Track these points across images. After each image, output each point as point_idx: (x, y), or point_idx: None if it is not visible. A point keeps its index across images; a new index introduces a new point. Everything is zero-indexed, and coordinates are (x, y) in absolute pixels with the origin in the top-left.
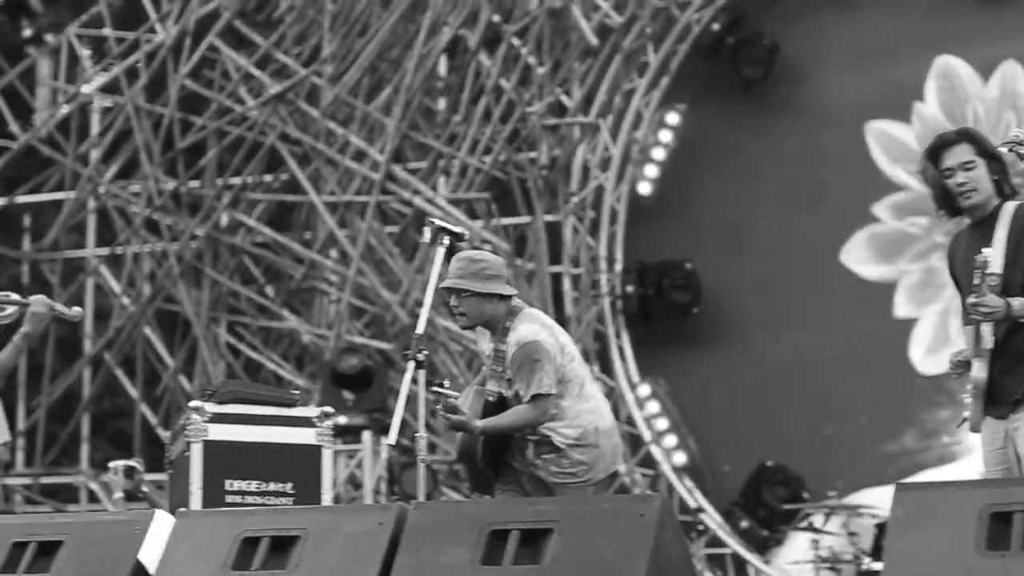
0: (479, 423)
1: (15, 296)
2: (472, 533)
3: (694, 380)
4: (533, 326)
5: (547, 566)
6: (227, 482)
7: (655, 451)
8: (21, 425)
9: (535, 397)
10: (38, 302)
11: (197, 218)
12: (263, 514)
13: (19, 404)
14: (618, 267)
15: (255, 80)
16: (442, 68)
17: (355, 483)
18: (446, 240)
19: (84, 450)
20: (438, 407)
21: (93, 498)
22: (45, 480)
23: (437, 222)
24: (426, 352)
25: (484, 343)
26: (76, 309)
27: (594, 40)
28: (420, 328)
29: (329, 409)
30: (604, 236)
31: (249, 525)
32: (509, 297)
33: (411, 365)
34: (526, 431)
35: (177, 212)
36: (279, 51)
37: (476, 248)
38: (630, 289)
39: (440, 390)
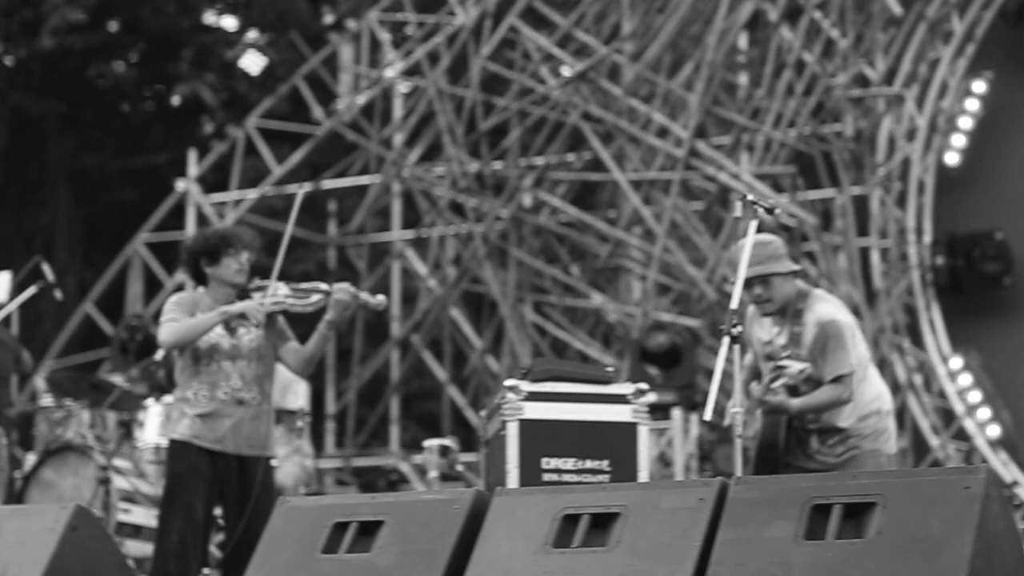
0: (794, 402)
1: (321, 285)
2: (794, 507)
3: (1007, 352)
4: (830, 306)
5: (871, 540)
6: (543, 460)
7: (968, 424)
8: (331, 408)
9: (840, 377)
10: (342, 290)
11: (501, 199)
12: (582, 491)
13: (328, 388)
14: (927, 239)
15: (556, 60)
16: (743, 43)
17: (665, 461)
18: (758, 214)
19: (394, 431)
20: (775, 383)
21: (402, 479)
22: (356, 462)
23: (749, 196)
24: (740, 327)
25: (758, 330)
26: (380, 297)
27: (898, 9)
28: (734, 303)
29: (644, 386)
30: (912, 208)
31: (568, 502)
32: (797, 273)
33: (725, 340)
34: (819, 417)
35: (481, 193)
36: (579, 30)
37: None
38: (940, 261)
39: (785, 363)
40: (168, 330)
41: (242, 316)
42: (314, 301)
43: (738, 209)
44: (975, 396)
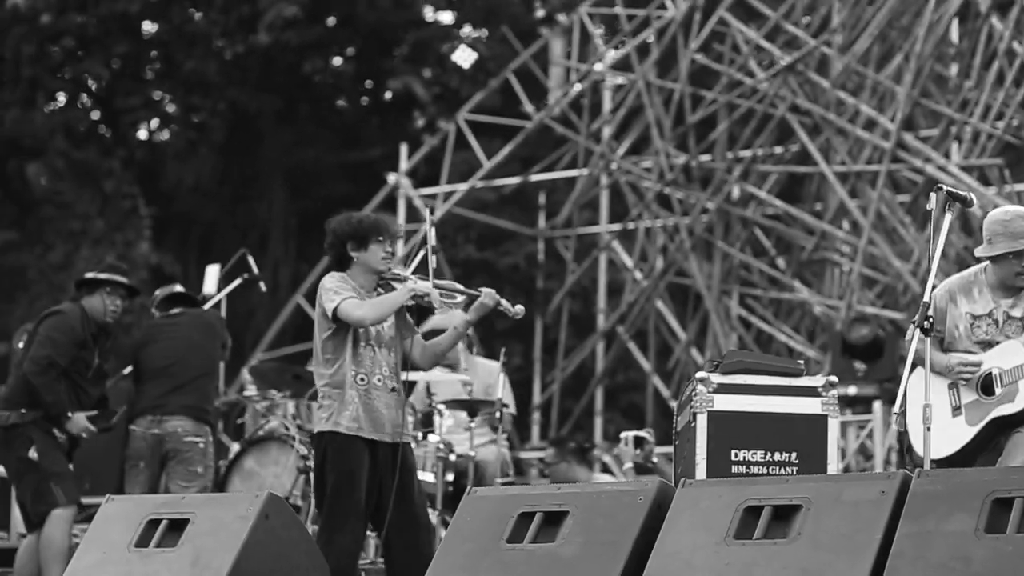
0: None
1: (458, 285)
2: (975, 501)
3: None
4: None
5: None
6: (732, 452)
7: None
8: (536, 400)
9: None
10: (489, 295)
11: (708, 191)
12: (765, 483)
13: (535, 379)
14: None
15: (765, 52)
16: (953, 33)
17: (866, 454)
18: (955, 206)
19: (598, 423)
20: None
21: (606, 470)
22: None
23: (945, 188)
24: (932, 318)
25: (966, 305)
26: (519, 307)
27: None
28: (927, 295)
29: (834, 378)
30: None
31: (751, 494)
32: None
33: (916, 332)
34: None
35: (688, 186)
36: (789, 22)
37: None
38: None
39: None
40: (365, 306)
41: (425, 295)
42: (458, 301)
43: (932, 200)
44: None
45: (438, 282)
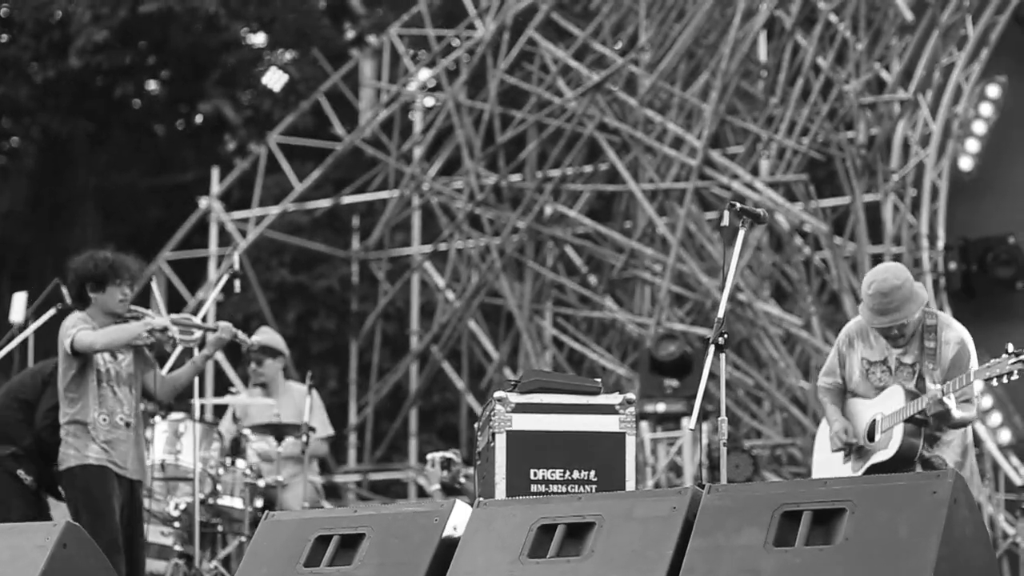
0: (956, 412)
1: (195, 320)
2: (764, 514)
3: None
4: (960, 325)
5: (839, 546)
6: (531, 471)
7: (980, 429)
8: (351, 422)
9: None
10: (225, 329)
11: (519, 211)
12: (559, 502)
13: (350, 401)
14: (940, 244)
15: (573, 71)
16: (760, 50)
17: (676, 470)
18: (746, 223)
19: (413, 445)
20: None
21: (422, 493)
22: (374, 476)
23: (737, 204)
24: (726, 335)
25: (863, 350)
26: (255, 338)
27: (910, 15)
28: (721, 312)
29: (631, 396)
30: (925, 213)
31: (545, 513)
32: None
33: (711, 349)
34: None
35: (499, 206)
36: (596, 41)
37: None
38: (953, 266)
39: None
40: (96, 334)
41: (164, 330)
42: (195, 337)
43: (726, 218)
44: (987, 401)
45: (175, 316)
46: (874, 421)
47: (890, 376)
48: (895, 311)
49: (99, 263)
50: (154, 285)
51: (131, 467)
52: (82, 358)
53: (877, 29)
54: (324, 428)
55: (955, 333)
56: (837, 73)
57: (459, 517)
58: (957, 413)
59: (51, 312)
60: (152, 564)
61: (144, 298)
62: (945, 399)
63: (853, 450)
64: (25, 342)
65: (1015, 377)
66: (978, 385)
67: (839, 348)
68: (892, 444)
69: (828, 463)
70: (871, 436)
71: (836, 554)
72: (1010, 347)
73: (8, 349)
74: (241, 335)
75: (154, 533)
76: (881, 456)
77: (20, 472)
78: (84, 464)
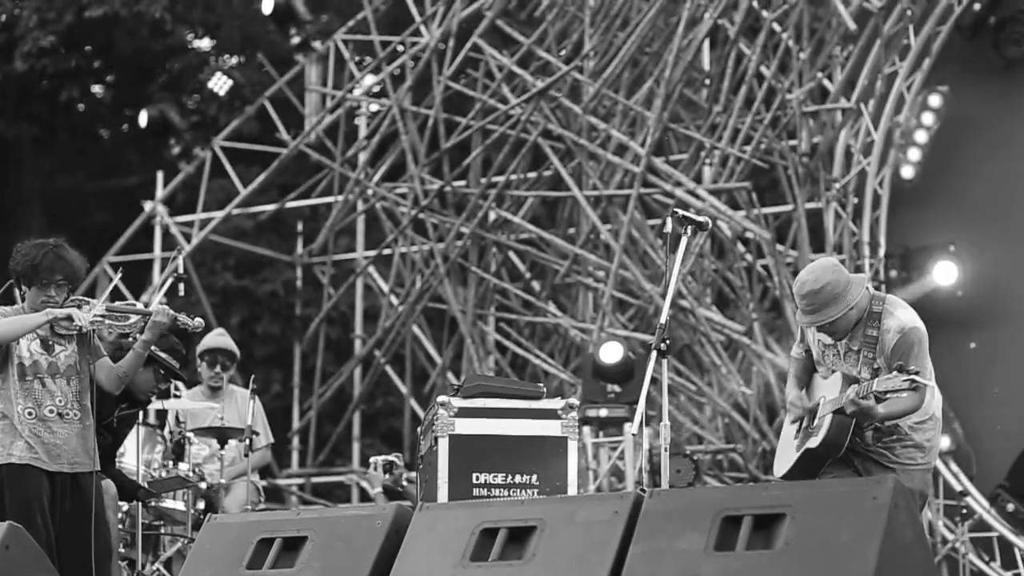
0: (880, 408)
1: (139, 306)
2: (705, 519)
3: (959, 363)
4: (910, 313)
5: (779, 551)
6: (474, 475)
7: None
8: (295, 425)
9: (922, 385)
10: (161, 312)
11: (463, 217)
12: (501, 506)
13: (294, 405)
14: (881, 252)
15: (518, 78)
16: (704, 58)
17: (618, 475)
18: (688, 230)
19: (355, 448)
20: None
21: (365, 496)
22: (317, 479)
23: (679, 212)
24: (668, 341)
25: (819, 333)
26: (197, 320)
27: (853, 25)
28: (663, 318)
29: (574, 401)
30: (867, 221)
31: (487, 516)
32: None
33: (653, 355)
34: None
35: (443, 211)
36: (541, 48)
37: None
38: (893, 274)
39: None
40: None
41: (68, 319)
42: (132, 323)
43: (668, 224)
44: None
45: (111, 304)
46: (818, 404)
47: (840, 360)
48: (816, 312)
49: (26, 261)
50: (112, 274)
51: (68, 460)
52: (1, 353)
53: (820, 38)
54: (267, 435)
55: (896, 322)
56: (780, 82)
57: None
58: (881, 409)
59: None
60: None
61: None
62: (859, 400)
63: (808, 418)
64: None
65: (903, 396)
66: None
67: (803, 329)
68: (819, 433)
69: (786, 440)
70: (813, 418)
71: (777, 559)
72: (903, 367)
73: None
74: (182, 318)
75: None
76: (811, 443)
77: None
78: (7, 463)
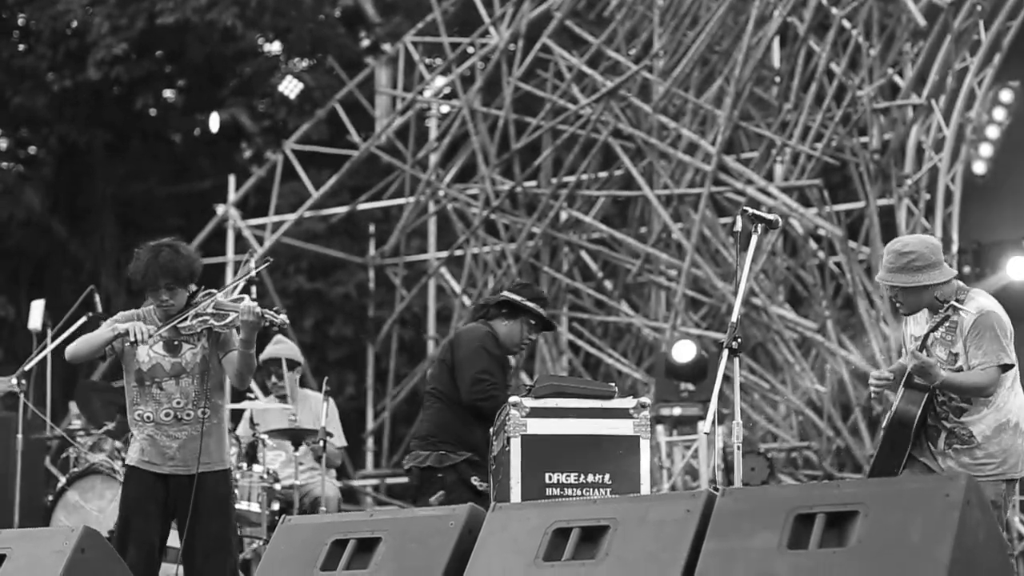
0: (943, 372)
1: (240, 304)
2: (778, 517)
3: None
4: (991, 300)
5: (852, 549)
6: (546, 475)
7: None
8: (369, 427)
9: (990, 367)
10: (247, 311)
11: (534, 217)
12: (573, 505)
13: (368, 407)
14: (954, 248)
15: (588, 78)
16: (774, 56)
17: (692, 473)
18: (759, 228)
19: None
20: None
21: None
22: (391, 480)
23: (749, 210)
24: (739, 340)
25: (913, 327)
26: (282, 316)
27: (923, 21)
28: (735, 316)
29: (646, 400)
30: (939, 217)
31: (560, 516)
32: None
33: (725, 354)
34: (963, 403)
35: (514, 212)
36: (610, 48)
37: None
38: (967, 270)
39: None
40: (69, 347)
41: (126, 334)
42: (230, 320)
43: (738, 223)
44: None
45: (220, 302)
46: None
47: (926, 353)
48: (889, 272)
49: (134, 272)
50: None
51: (184, 461)
52: (120, 360)
53: (890, 34)
54: (340, 438)
55: (975, 303)
56: (850, 78)
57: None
58: (944, 373)
59: (82, 320)
60: (169, 568)
61: None
62: (919, 355)
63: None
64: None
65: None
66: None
67: (901, 327)
68: (892, 407)
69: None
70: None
71: (849, 557)
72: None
73: (40, 357)
74: (268, 314)
75: (171, 536)
76: (886, 420)
77: (475, 479)
78: (127, 465)
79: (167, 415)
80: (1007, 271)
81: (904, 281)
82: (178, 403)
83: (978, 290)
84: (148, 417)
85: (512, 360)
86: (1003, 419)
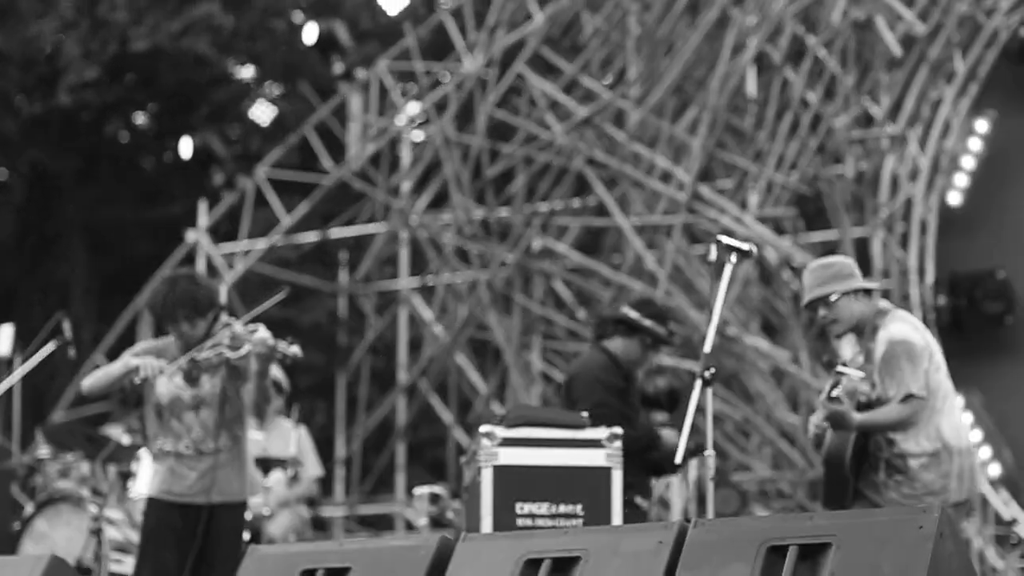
0: (857, 416)
1: (254, 336)
2: (750, 549)
3: (1009, 391)
4: (905, 326)
5: None
6: (518, 505)
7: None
8: (339, 455)
9: (907, 397)
10: (259, 343)
11: (507, 245)
12: (545, 536)
13: (337, 435)
14: (929, 279)
15: (562, 106)
16: (749, 84)
17: (664, 504)
18: (734, 258)
19: (400, 479)
20: (833, 390)
21: (410, 527)
22: (362, 510)
23: (724, 240)
24: (714, 369)
25: (847, 349)
26: (294, 348)
27: (899, 51)
28: (707, 346)
29: (617, 430)
30: (914, 248)
31: (531, 547)
32: (871, 292)
33: (698, 384)
34: (892, 433)
35: (487, 240)
36: (585, 75)
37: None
38: (942, 301)
39: (843, 370)
40: (85, 381)
41: (135, 370)
42: (245, 352)
43: (712, 252)
44: (976, 435)
45: (236, 332)
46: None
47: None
48: (814, 287)
49: (154, 307)
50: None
51: (205, 492)
52: (140, 392)
53: (866, 64)
54: (314, 467)
55: (885, 332)
56: (826, 108)
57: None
58: (856, 417)
59: (50, 347)
60: None
61: None
62: (828, 404)
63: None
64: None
65: (836, 391)
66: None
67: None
68: (824, 447)
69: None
70: None
71: None
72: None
73: (8, 384)
74: (281, 346)
75: None
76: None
77: (638, 498)
78: (149, 496)
79: (187, 447)
80: None
81: (841, 287)
82: (197, 436)
83: (895, 313)
84: (167, 450)
85: (640, 374)
86: (936, 446)
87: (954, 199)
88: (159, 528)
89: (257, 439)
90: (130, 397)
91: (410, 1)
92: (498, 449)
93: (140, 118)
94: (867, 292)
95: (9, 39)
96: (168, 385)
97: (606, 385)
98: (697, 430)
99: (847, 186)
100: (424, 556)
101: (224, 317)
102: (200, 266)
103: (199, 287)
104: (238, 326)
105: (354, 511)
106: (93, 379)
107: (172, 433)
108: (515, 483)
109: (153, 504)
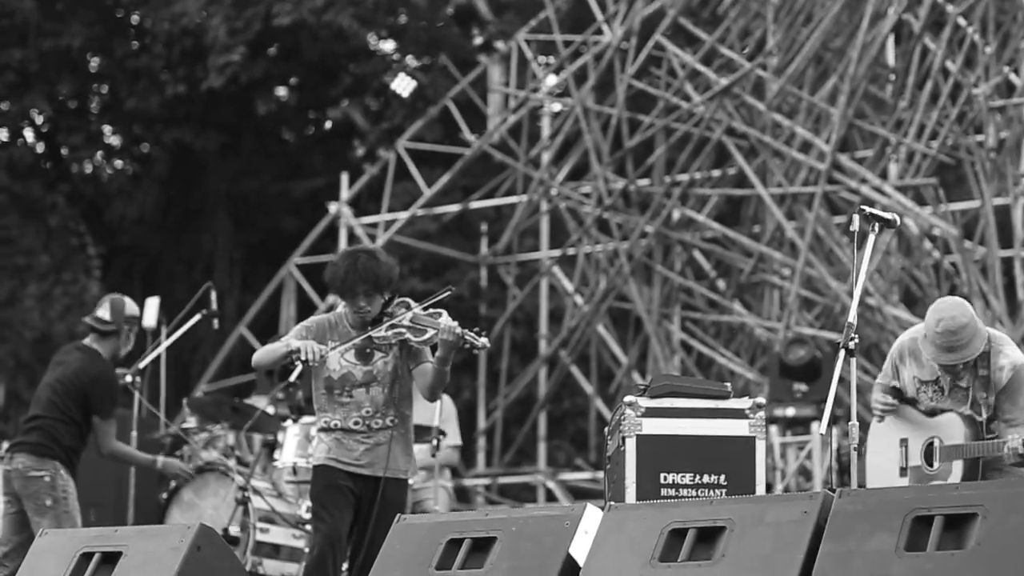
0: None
1: (440, 322)
2: (896, 519)
3: None
4: (1018, 350)
5: (971, 551)
6: (662, 475)
7: None
8: (480, 426)
9: None
10: (448, 331)
11: (647, 215)
12: (690, 506)
13: (479, 406)
14: None
15: (701, 76)
16: (888, 54)
17: (806, 474)
18: (876, 227)
19: (542, 449)
20: None
21: (551, 497)
22: (504, 480)
23: (867, 209)
24: (856, 340)
25: (916, 370)
26: (483, 340)
27: None
28: (851, 316)
29: (761, 400)
30: None
31: (676, 517)
32: None
33: (841, 354)
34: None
35: (627, 210)
36: (724, 46)
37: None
38: None
39: None
40: (258, 352)
41: (296, 351)
42: (428, 337)
43: (855, 223)
44: None
45: (418, 315)
46: (931, 444)
47: (942, 396)
48: (962, 348)
49: (332, 279)
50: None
51: (372, 467)
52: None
53: (1006, 32)
54: (454, 437)
55: (1008, 360)
56: (966, 76)
57: (590, 521)
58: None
59: (197, 317)
60: (284, 567)
61: None
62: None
63: (923, 454)
64: (159, 347)
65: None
66: None
67: (893, 360)
68: (952, 479)
69: (879, 451)
70: (928, 459)
71: (968, 559)
72: None
73: (155, 355)
74: (469, 336)
75: (285, 536)
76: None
77: None
78: (316, 464)
79: (356, 424)
80: None
81: (973, 352)
82: (367, 412)
83: (999, 336)
84: (336, 425)
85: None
86: None
87: None
88: (330, 488)
89: None
90: (273, 369)
91: None
92: (642, 419)
93: (282, 91)
94: None
95: (153, 15)
96: (340, 361)
97: None
98: (840, 400)
99: (987, 155)
100: (570, 526)
101: (399, 298)
102: (342, 238)
103: (380, 263)
104: (419, 309)
105: (495, 481)
106: (259, 354)
107: (342, 408)
108: (659, 453)
109: (321, 469)
